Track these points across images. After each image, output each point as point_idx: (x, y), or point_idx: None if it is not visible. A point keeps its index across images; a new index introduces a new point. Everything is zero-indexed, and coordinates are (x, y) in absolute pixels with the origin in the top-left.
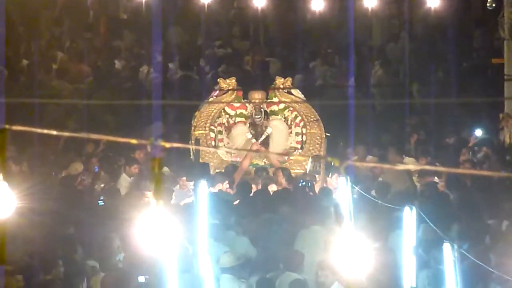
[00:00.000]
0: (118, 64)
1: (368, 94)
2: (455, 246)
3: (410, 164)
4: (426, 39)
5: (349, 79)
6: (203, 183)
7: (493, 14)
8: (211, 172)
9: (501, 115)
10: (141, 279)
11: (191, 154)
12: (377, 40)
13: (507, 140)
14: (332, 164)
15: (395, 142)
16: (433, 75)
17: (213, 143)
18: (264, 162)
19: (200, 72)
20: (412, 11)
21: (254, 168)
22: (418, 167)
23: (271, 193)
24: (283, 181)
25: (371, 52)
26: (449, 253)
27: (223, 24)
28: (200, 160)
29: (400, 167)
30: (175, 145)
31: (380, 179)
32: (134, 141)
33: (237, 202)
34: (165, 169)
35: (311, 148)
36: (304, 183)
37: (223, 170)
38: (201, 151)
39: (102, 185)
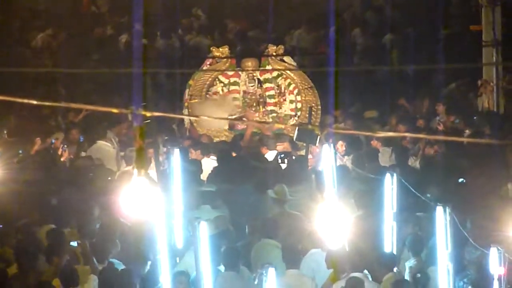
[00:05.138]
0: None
1: (348, 61)
2: (448, 209)
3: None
4: (405, 7)
5: (329, 47)
6: (176, 151)
7: None
8: (212, 141)
9: (479, 82)
10: (73, 243)
11: (185, 123)
12: (357, 7)
13: (486, 105)
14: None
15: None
16: (412, 42)
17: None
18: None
19: (180, 41)
20: None
21: (257, 137)
22: (399, 135)
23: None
24: (288, 146)
25: (351, 20)
26: (441, 216)
27: None
28: (198, 129)
29: (381, 134)
30: (156, 114)
31: None
32: (115, 110)
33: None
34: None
35: (307, 115)
36: (282, 156)
37: (223, 139)
38: (197, 121)
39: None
